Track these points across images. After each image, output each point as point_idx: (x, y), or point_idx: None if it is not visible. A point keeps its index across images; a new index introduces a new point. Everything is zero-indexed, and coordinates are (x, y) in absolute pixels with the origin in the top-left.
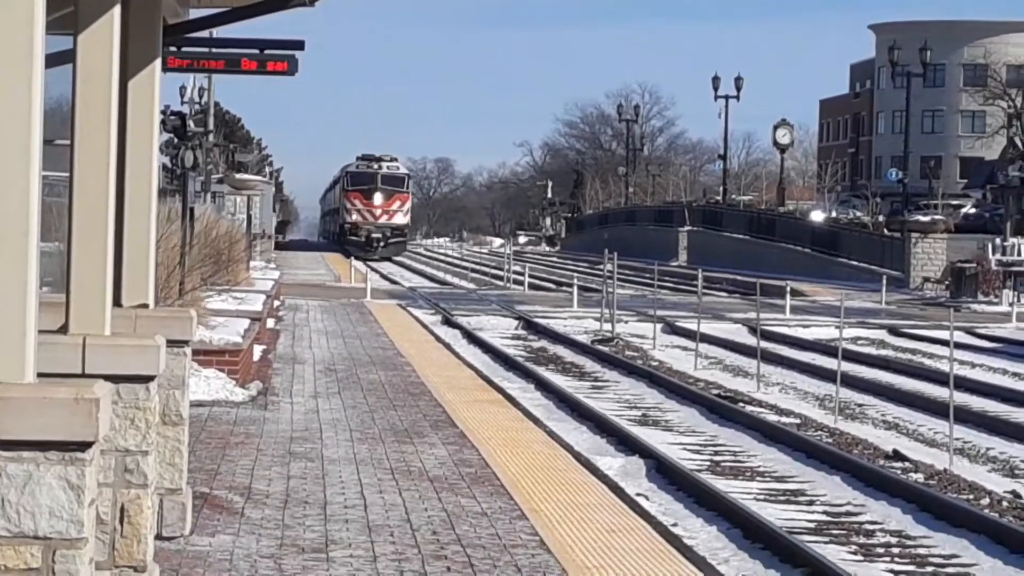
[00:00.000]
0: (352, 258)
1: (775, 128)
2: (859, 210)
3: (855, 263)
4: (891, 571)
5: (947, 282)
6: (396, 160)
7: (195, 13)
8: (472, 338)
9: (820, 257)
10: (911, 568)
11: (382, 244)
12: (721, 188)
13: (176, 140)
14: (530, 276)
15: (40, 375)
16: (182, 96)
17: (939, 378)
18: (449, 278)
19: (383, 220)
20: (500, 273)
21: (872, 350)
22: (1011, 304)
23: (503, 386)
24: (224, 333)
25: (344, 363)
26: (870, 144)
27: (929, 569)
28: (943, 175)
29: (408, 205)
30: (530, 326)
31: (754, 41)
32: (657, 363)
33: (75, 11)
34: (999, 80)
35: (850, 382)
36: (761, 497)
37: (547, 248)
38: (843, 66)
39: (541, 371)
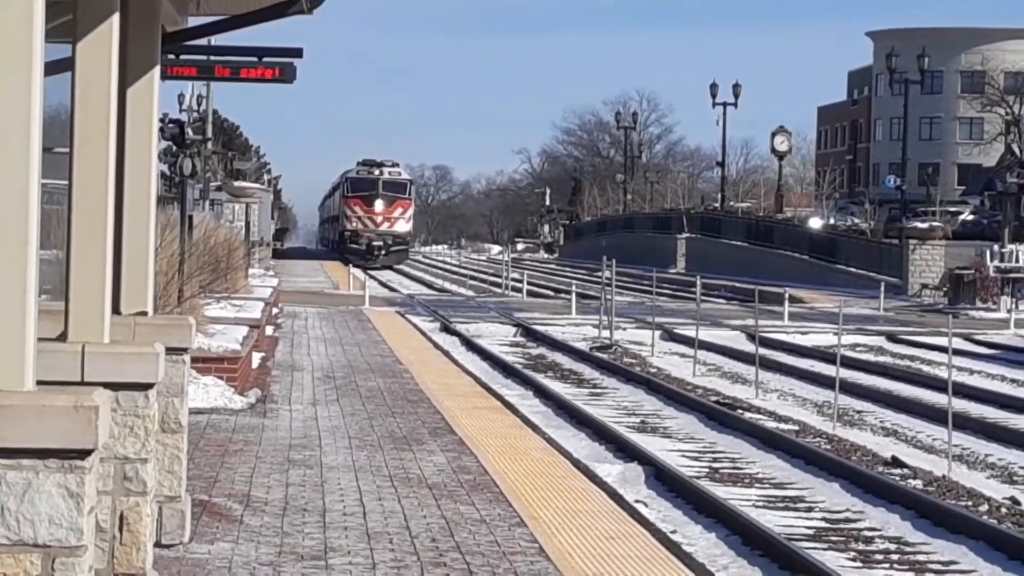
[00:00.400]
0: (352, 266)
1: (773, 135)
2: (857, 217)
3: (853, 270)
4: None
5: (945, 289)
6: (398, 165)
7: (193, 21)
8: (471, 345)
9: (818, 264)
10: (910, 574)
11: (383, 252)
12: (719, 195)
13: (174, 148)
14: (528, 283)
15: (39, 383)
16: (180, 104)
17: (937, 385)
18: (447, 285)
19: (384, 227)
20: (498, 280)
21: (870, 357)
22: (1009, 311)
23: (502, 393)
24: (223, 340)
25: (343, 370)
26: (868, 151)
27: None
28: (941, 182)
29: (410, 212)
30: (528, 333)
31: (752, 48)
32: (656, 370)
33: (74, 19)
34: (996, 87)
35: (849, 389)
36: (760, 504)
37: (545, 255)
38: (841, 73)
39: (540, 378)
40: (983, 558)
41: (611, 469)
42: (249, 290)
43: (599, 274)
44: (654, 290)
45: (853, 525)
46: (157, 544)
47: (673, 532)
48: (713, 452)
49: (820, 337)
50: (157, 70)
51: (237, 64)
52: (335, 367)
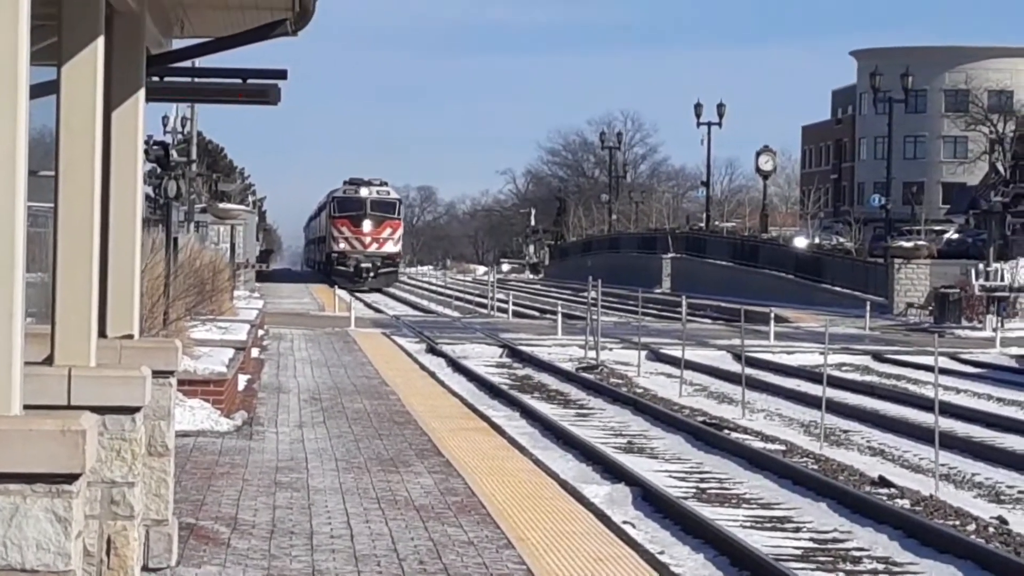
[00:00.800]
0: (341, 289)
1: (758, 155)
2: (842, 236)
3: (839, 289)
4: None
5: (930, 308)
6: (386, 184)
7: (178, 43)
8: (457, 366)
9: (804, 283)
10: None
11: (372, 274)
12: (704, 215)
13: (159, 170)
14: (514, 304)
15: (26, 407)
16: (165, 126)
17: (924, 404)
18: (433, 306)
19: (373, 248)
20: (484, 301)
21: (857, 376)
22: (995, 329)
23: (488, 414)
24: (209, 363)
25: (329, 392)
26: (852, 170)
27: None
28: (925, 201)
29: (399, 232)
30: (514, 354)
31: (736, 68)
32: (642, 390)
33: (59, 42)
34: (981, 106)
35: (835, 408)
36: (748, 524)
37: (531, 276)
38: (825, 92)
39: (526, 399)
40: None
41: (598, 490)
42: (235, 312)
43: (584, 294)
44: (640, 310)
45: (841, 545)
46: (144, 568)
47: (661, 553)
48: (700, 472)
49: (806, 357)
50: (142, 92)
51: (221, 86)
52: (321, 389)
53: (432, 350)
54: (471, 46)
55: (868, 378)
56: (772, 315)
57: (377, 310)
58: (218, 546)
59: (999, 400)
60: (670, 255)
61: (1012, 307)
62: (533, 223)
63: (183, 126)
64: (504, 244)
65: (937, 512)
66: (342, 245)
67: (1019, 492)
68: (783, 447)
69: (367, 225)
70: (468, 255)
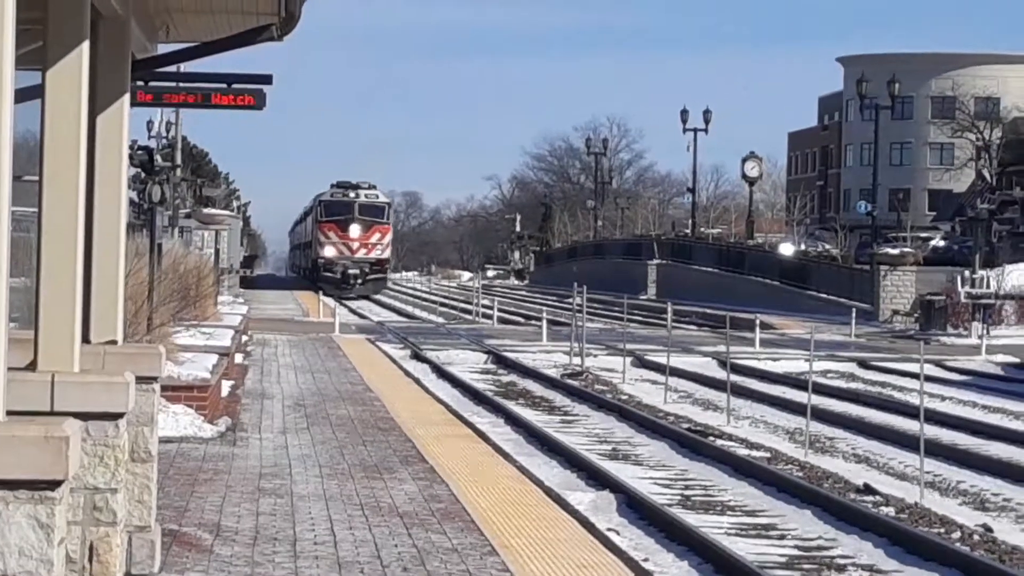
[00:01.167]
0: (326, 295)
1: (744, 161)
2: (828, 243)
3: (824, 296)
4: None
5: (916, 315)
6: (375, 188)
7: (163, 48)
8: (441, 372)
9: (789, 290)
10: None
11: (360, 281)
12: (690, 221)
13: (143, 175)
14: (499, 310)
15: (8, 413)
16: (149, 130)
17: (909, 411)
18: (418, 312)
19: (361, 254)
20: (469, 307)
21: (842, 383)
22: (980, 337)
23: (473, 421)
24: (192, 369)
25: (313, 398)
26: (839, 177)
27: None
28: (912, 207)
29: (388, 237)
30: (499, 360)
31: (722, 74)
32: (627, 397)
33: (44, 46)
34: (967, 112)
35: (820, 415)
36: (732, 531)
37: (516, 282)
38: (811, 99)
39: (511, 405)
40: None
41: (583, 497)
42: (219, 318)
43: (570, 300)
44: (625, 316)
45: (826, 553)
46: (127, 574)
47: (645, 560)
48: (685, 479)
49: (791, 363)
50: (127, 97)
51: (206, 91)
52: (305, 395)
53: (417, 356)
54: (456, 51)
55: (853, 385)
56: (758, 322)
57: (362, 316)
58: (201, 553)
59: (984, 408)
60: (656, 261)
61: (998, 314)
62: (518, 229)
63: (168, 131)
64: (489, 250)
65: (922, 520)
66: (329, 251)
67: (1004, 500)
68: (768, 454)
69: (355, 230)
70: (453, 261)
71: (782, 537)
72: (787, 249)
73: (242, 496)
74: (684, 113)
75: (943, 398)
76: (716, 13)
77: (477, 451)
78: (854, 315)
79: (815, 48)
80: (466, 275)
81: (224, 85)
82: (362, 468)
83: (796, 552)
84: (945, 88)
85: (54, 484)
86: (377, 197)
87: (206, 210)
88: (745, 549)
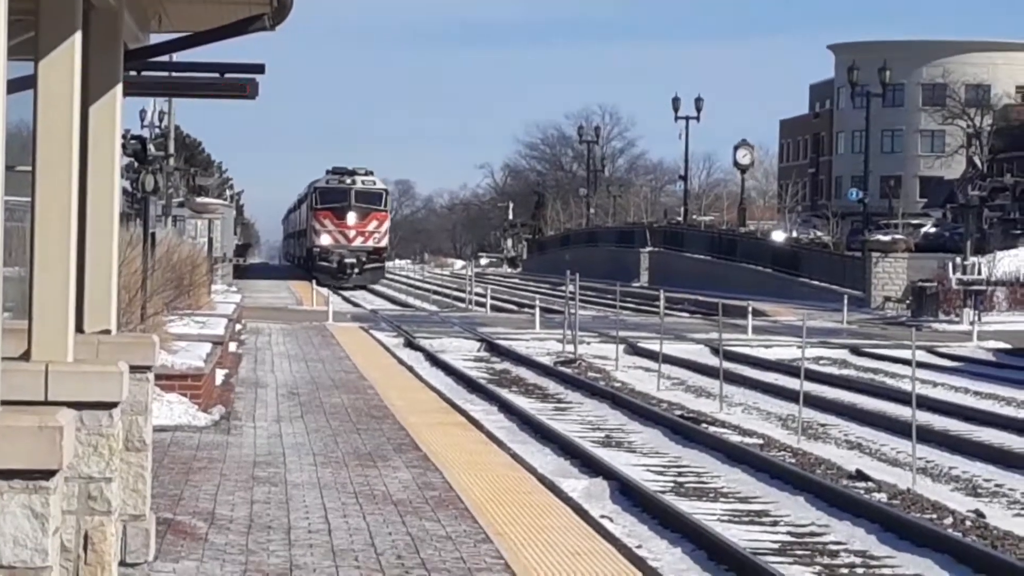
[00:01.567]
0: (321, 285)
1: (735, 148)
2: (820, 230)
3: (816, 283)
4: None
5: (908, 301)
6: (372, 174)
7: (156, 38)
8: (435, 360)
9: (782, 277)
10: None
11: (356, 271)
12: (682, 209)
13: (136, 164)
14: (492, 298)
15: (2, 403)
16: (142, 120)
17: (901, 397)
18: (411, 300)
19: (358, 243)
20: (462, 295)
21: (834, 370)
22: (972, 323)
23: (466, 408)
24: (186, 358)
25: (307, 387)
26: (830, 164)
27: None
28: (903, 194)
29: (386, 225)
30: (492, 348)
31: (714, 62)
32: (620, 384)
33: (35, 37)
34: (958, 100)
35: (813, 402)
36: (725, 518)
37: (509, 270)
38: (803, 86)
39: (504, 393)
40: (948, 571)
41: (576, 484)
42: (212, 306)
43: (563, 288)
44: (618, 304)
45: (818, 539)
46: (122, 563)
47: (639, 547)
48: (678, 466)
49: (784, 350)
50: (119, 87)
51: (199, 80)
52: (299, 383)
53: (410, 344)
54: (449, 40)
55: (845, 372)
56: (750, 309)
57: (355, 304)
58: (196, 541)
59: (976, 394)
60: (648, 249)
61: (989, 301)
62: (511, 217)
63: (161, 120)
64: (482, 238)
65: (914, 506)
66: (325, 239)
67: (996, 486)
68: (761, 441)
69: (352, 217)
70: (446, 249)
71: (775, 523)
72: (779, 236)
73: (236, 484)
74: (676, 101)
75: (935, 384)
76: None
77: (471, 439)
78: (846, 302)
79: (806, 36)
80: (459, 263)
81: (217, 75)
82: (356, 456)
83: (789, 538)
84: (936, 75)
85: (49, 474)
86: (374, 184)
87: (199, 199)
88: (738, 535)
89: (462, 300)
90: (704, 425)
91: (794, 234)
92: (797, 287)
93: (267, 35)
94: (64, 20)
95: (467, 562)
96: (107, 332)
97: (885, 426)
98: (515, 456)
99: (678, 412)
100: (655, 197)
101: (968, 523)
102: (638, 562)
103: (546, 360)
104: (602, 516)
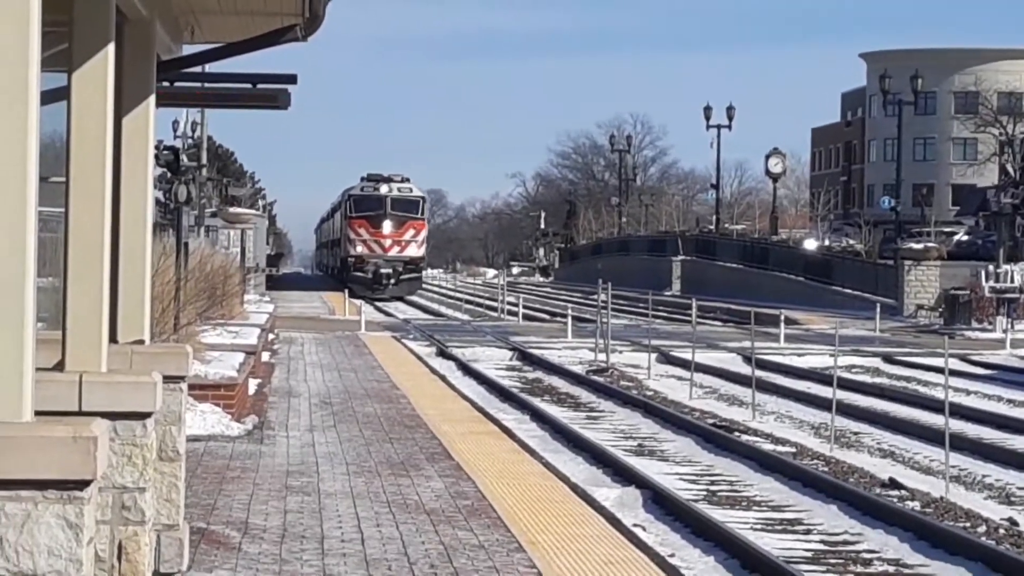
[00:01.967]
0: (356, 297)
1: (767, 157)
2: (852, 238)
3: (848, 291)
4: None
5: (940, 309)
6: (408, 181)
7: (188, 49)
8: (467, 370)
9: (814, 285)
10: None
11: (392, 281)
12: (714, 217)
13: (169, 174)
14: (524, 307)
15: (37, 413)
16: (175, 130)
17: (934, 406)
18: (443, 309)
19: (394, 252)
20: (494, 304)
21: (867, 378)
22: (1005, 331)
23: (499, 418)
24: (219, 367)
25: (339, 396)
26: (862, 172)
27: None
28: (935, 202)
29: (424, 234)
30: (525, 357)
31: (746, 70)
32: (652, 393)
33: (69, 48)
34: (990, 107)
35: (845, 410)
36: (758, 527)
37: (541, 278)
38: (834, 95)
39: (536, 402)
40: None
41: (609, 493)
42: (245, 316)
43: (595, 297)
44: (650, 313)
45: (851, 547)
46: (155, 573)
47: (671, 556)
48: (711, 475)
49: (816, 359)
50: (152, 98)
51: (231, 91)
52: (332, 393)
53: (442, 353)
54: (481, 50)
55: (878, 380)
56: (782, 317)
57: (387, 313)
58: (229, 551)
59: (1009, 401)
60: (680, 257)
61: (1022, 309)
62: (543, 226)
63: (193, 131)
64: (514, 247)
65: (948, 514)
66: (360, 248)
67: None
68: (793, 449)
69: (387, 226)
70: (478, 258)
71: (808, 532)
72: (811, 245)
73: (269, 494)
74: (707, 110)
75: (968, 392)
76: (739, 10)
77: (503, 448)
78: (878, 310)
79: (838, 44)
80: (491, 272)
81: (249, 85)
82: (388, 465)
83: (822, 547)
84: (968, 83)
85: (83, 484)
86: (411, 191)
87: (232, 209)
88: (771, 544)
89: (494, 309)
90: (737, 434)
91: (826, 242)
92: (829, 295)
93: (299, 45)
94: (97, 32)
95: (500, 571)
96: (140, 342)
97: (918, 434)
98: (547, 465)
99: (710, 421)
100: (687, 206)
101: (1002, 531)
102: (671, 571)
103: (578, 369)
104: (635, 525)
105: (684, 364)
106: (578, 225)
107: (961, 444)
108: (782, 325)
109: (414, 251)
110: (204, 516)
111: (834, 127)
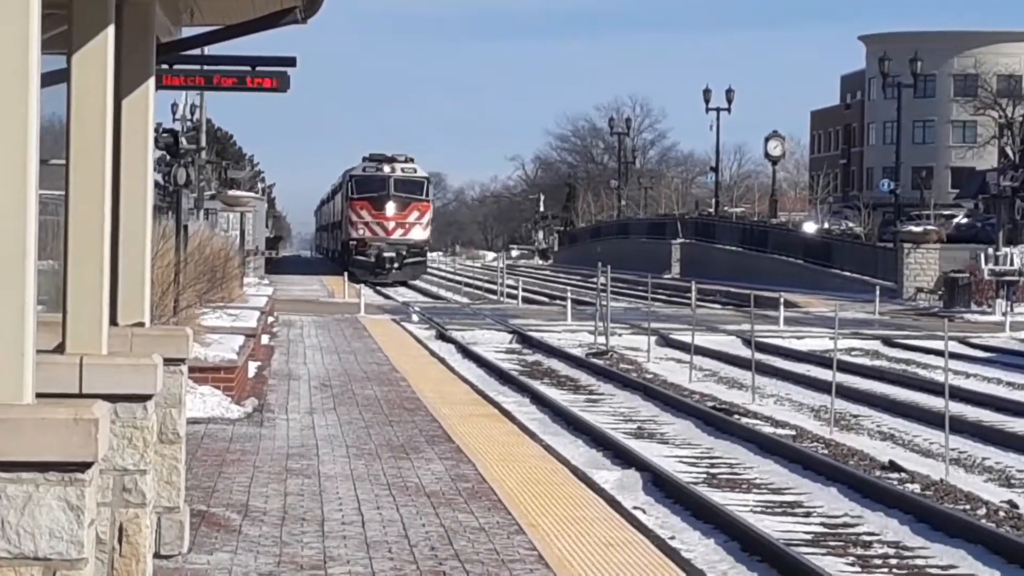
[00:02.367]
0: (357, 281)
1: (766, 140)
2: (851, 221)
3: (848, 274)
4: None
5: (940, 292)
6: (412, 161)
7: (187, 31)
8: (467, 352)
9: (813, 268)
10: None
11: (396, 265)
12: (713, 200)
13: (169, 157)
14: (523, 290)
15: (37, 395)
16: (174, 113)
17: (934, 388)
18: (443, 292)
19: (397, 235)
20: (493, 287)
21: (866, 361)
22: (1004, 314)
23: (498, 400)
24: (219, 350)
25: (339, 379)
26: (861, 155)
27: None
28: (935, 185)
29: (428, 216)
30: (524, 340)
31: (745, 53)
32: (652, 376)
33: (69, 31)
34: (989, 90)
35: (845, 393)
36: (758, 509)
37: (540, 261)
38: (834, 77)
39: (536, 385)
40: (981, 562)
41: (609, 476)
42: (244, 299)
43: (594, 280)
44: (649, 295)
45: (851, 530)
46: (156, 555)
47: (671, 538)
48: (710, 458)
49: (816, 341)
50: (152, 81)
51: (231, 73)
52: (331, 376)
53: (442, 336)
54: (479, 32)
55: (878, 363)
56: (781, 300)
57: (386, 296)
58: (229, 533)
59: (1009, 384)
60: (679, 240)
61: (1022, 291)
62: (542, 209)
63: (192, 113)
64: (513, 230)
65: (947, 496)
66: (361, 231)
67: None
68: (793, 432)
69: (391, 208)
70: (477, 241)
71: (808, 515)
72: (810, 228)
73: (270, 476)
74: (707, 92)
75: (968, 375)
76: None
77: (503, 430)
78: (878, 293)
79: (837, 27)
80: (490, 255)
81: (248, 68)
82: (389, 448)
83: (822, 529)
84: (967, 66)
85: (84, 466)
86: (415, 171)
87: (231, 192)
88: (771, 527)
89: (494, 292)
90: (736, 416)
91: (825, 225)
92: (829, 278)
93: (298, 27)
94: (97, 14)
95: (500, 553)
96: (140, 325)
97: (918, 417)
98: (547, 447)
99: (710, 403)
100: (686, 189)
101: (1001, 514)
102: (671, 553)
103: (578, 352)
104: (635, 507)
105: (684, 347)
106: (577, 208)
107: (961, 427)
108: (781, 308)
109: (418, 234)
110: (204, 499)
111: (833, 110)
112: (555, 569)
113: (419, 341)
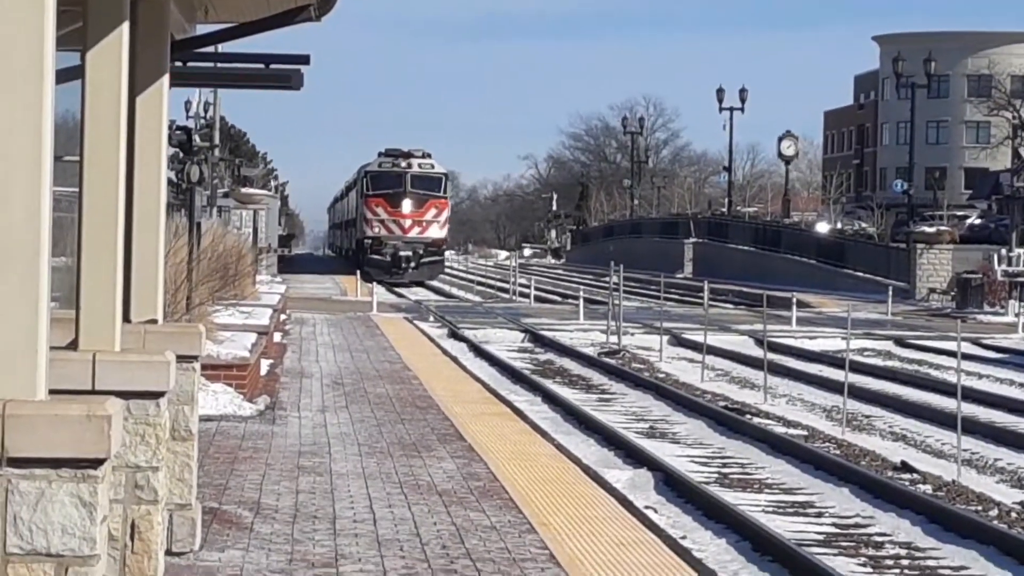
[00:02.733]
0: (371, 281)
1: (780, 140)
2: (864, 221)
3: (861, 274)
4: None
5: (953, 293)
6: (429, 156)
7: (202, 29)
8: (479, 351)
9: (826, 268)
10: None
11: (412, 265)
12: (726, 200)
13: (182, 154)
14: (536, 289)
15: (51, 392)
16: (187, 111)
17: (946, 389)
18: (455, 291)
19: (414, 233)
20: (506, 286)
21: (879, 361)
22: (1017, 314)
23: (510, 399)
24: (232, 347)
25: (351, 377)
26: (875, 155)
27: None
28: (948, 186)
29: (446, 214)
30: (536, 339)
31: (758, 53)
32: (664, 375)
33: (84, 27)
34: (1003, 91)
35: (857, 393)
36: (770, 509)
37: (552, 260)
38: (847, 77)
39: (548, 384)
40: (993, 563)
41: (620, 475)
42: (257, 297)
43: (606, 279)
44: (662, 295)
45: (863, 530)
46: (168, 552)
47: (683, 538)
48: (722, 457)
49: (828, 342)
50: (166, 78)
51: (244, 71)
52: (344, 373)
53: (454, 335)
54: (493, 32)
55: (890, 363)
56: (794, 300)
57: (399, 295)
58: (241, 530)
59: (1021, 385)
60: (692, 240)
61: None
62: (555, 208)
63: (206, 111)
64: (526, 229)
65: (959, 497)
66: (377, 229)
67: None
68: (805, 432)
69: (407, 205)
70: (490, 240)
71: (820, 515)
72: (823, 228)
73: (281, 474)
74: (720, 92)
75: (980, 376)
76: None
77: (515, 429)
78: (890, 293)
79: (851, 27)
80: (503, 254)
81: (262, 65)
82: (400, 446)
83: (834, 530)
84: (981, 66)
85: (96, 463)
86: (432, 167)
87: (244, 190)
88: (783, 527)
89: (506, 291)
90: (748, 416)
91: (838, 225)
92: (841, 279)
93: (313, 25)
94: (112, 11)
95: (512, 552)
96: (154, 322)
97: (930, 417)
98: (559, 447)
99: (722, 403)
100: (699, 188)
101: (1013, 515)
102: (683, 553)
103: (590, 351)
104: (646, 507)
105: (696, 347)
106: (590, 207)
107: (973, 428)
108: (794, 308)
109: (436, 232)
110: (216, 496)
111: (847, 110)
112: (566, 568)
113: (431, 339)
